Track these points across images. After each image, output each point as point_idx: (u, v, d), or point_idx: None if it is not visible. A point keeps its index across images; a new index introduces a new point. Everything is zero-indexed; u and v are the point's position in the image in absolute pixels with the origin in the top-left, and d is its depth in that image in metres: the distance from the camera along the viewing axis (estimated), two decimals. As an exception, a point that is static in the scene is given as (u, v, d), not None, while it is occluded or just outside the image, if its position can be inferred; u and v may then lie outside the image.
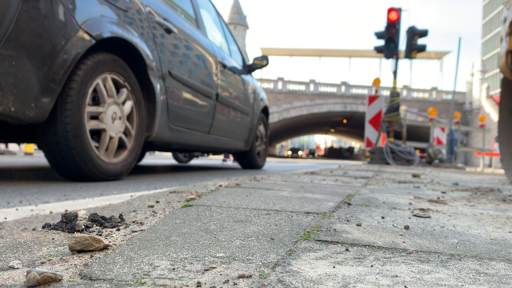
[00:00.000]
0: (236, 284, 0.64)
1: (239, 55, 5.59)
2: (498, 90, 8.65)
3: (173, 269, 0.70)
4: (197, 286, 0.62)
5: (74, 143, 2.49)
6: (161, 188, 2.64)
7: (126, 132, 3.00)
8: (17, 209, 1.55)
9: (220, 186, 2.05)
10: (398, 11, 10.06)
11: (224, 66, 4.62)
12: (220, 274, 0.68)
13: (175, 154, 7.78)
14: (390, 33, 10.10)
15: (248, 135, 5.62)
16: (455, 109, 31.17)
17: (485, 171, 11.82)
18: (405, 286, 0.66)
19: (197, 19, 4.23)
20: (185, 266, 0.72)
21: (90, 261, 0.74)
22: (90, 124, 2.64)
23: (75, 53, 2.40)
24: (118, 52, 2.89)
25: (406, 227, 1.15)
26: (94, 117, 2.72)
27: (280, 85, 40.20)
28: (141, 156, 5.82)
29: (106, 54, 2.72)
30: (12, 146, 13.43)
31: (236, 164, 8.56)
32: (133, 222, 1.11)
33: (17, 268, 0.69)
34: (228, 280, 0.65)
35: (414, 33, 10.32)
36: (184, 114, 3.69)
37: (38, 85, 2.24)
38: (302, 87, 40.66)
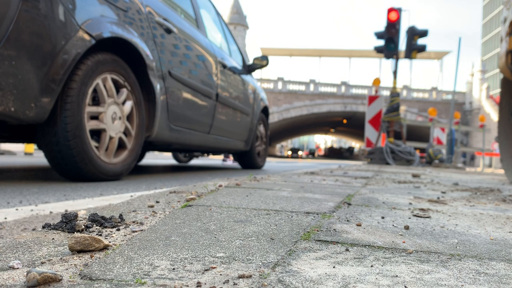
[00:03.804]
0: (236, 284, 0.64)
1: (239, 55, 5.59)
2: (498, 90, 8.65)
3: (173, 269, 0.70)
4: (197, 286, 0.62)
5: (74, 143, 2.49)
6: (161, 188, 2.64)
7: (126, 132, 3.00)
8: (17, 209, 1.55)
9: (220, 186, 2.05)
10: (398, 11, 10.06)
11: (224, 66, 4.62)
12: (220, 274, 0.68)
13: (175, 154, 7.78)
14: (390, 33, 10.09)
15: (248, 135, 5.62)
16: (455, 109, 31.16)
17: (485, 171, 11.81)
18: (405, 286, 0.66)
19: (197, 19, 4.23)
20: (185, 266, 0.72)
21: (90, 261, 0.74)
22: (90, 124, 2.64)
23: (75, 53, 2.40)
24: (118, 52, 2.89)
25: (406, 227, 1.15)
26: (94, 117, 2.72)
27: (280, 85, 40.21)
28: (141, 156, 5.82)
29: (106, 54, 2.72)
30: (12, 146, 13.43)
31: (236, 164, 8.56)
32: (133, 222, 1.11)
33: (17, 268, 0.69)
34: (228, 280, 0.65)
35: (414, 33, 10.32)
36: (184, 114, 3.69)
37: (38, 85, 2.24)
38: (302, 87, 40.67)
